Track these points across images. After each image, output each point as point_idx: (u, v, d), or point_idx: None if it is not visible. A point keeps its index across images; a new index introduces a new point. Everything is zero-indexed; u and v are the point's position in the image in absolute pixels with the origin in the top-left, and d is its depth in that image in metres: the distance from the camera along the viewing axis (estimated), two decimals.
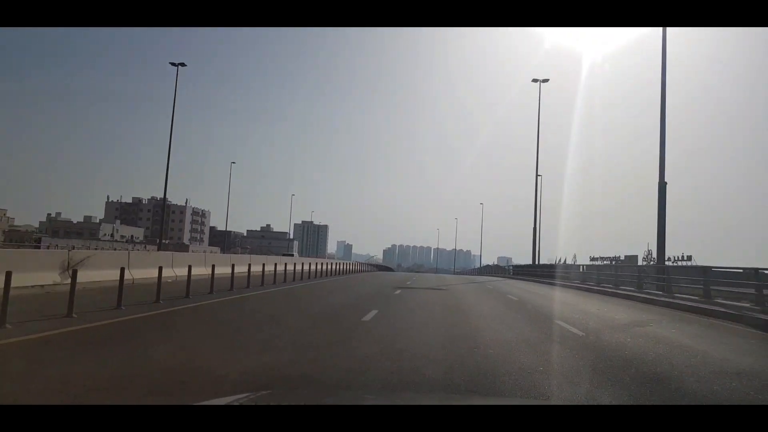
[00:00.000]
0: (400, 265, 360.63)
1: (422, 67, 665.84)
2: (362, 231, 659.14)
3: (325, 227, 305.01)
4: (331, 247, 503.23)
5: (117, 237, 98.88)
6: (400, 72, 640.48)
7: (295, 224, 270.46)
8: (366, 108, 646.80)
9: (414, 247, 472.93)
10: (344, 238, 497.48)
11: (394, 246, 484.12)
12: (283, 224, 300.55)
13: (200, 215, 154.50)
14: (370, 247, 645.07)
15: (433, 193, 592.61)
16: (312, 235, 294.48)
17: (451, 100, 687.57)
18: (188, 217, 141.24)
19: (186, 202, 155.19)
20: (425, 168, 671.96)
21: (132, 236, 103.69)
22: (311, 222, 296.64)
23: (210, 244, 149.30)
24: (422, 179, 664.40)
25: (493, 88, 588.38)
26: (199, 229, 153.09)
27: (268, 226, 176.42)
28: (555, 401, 4.69)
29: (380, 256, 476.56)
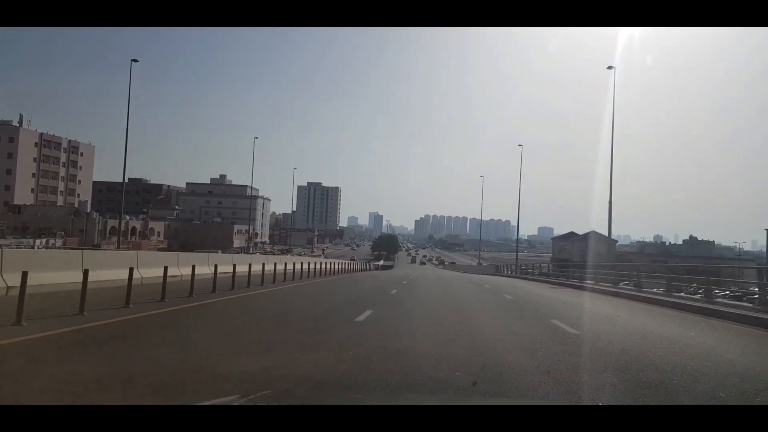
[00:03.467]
0: (432, 237, 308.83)
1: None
2: (394, 201, 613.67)
3: (336, 190, 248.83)
4: (363, 219, 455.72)
5: None
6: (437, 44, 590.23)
7: (299, 186, 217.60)
8: (403, 75, 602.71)
9: (449, 217, 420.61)
10: (376, 208, 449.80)
11: (427, 216, 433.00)
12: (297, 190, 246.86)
13: (67, 150, 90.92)
14: (402, 217, 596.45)
15: (468, 160, 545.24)
16: (319, 200, 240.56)
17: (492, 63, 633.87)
18: (20, 146, 78.26)
19: (21, 120, 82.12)
20: (462, 135, 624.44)
21: None
22: (320, 183, 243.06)
23: (98, 207, 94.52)
24: (458, 146, 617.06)
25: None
26: (66, 176, 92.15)
27: (223, 177, 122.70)
28: (555, 401, 4.71)
29: (412, 227, 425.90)
